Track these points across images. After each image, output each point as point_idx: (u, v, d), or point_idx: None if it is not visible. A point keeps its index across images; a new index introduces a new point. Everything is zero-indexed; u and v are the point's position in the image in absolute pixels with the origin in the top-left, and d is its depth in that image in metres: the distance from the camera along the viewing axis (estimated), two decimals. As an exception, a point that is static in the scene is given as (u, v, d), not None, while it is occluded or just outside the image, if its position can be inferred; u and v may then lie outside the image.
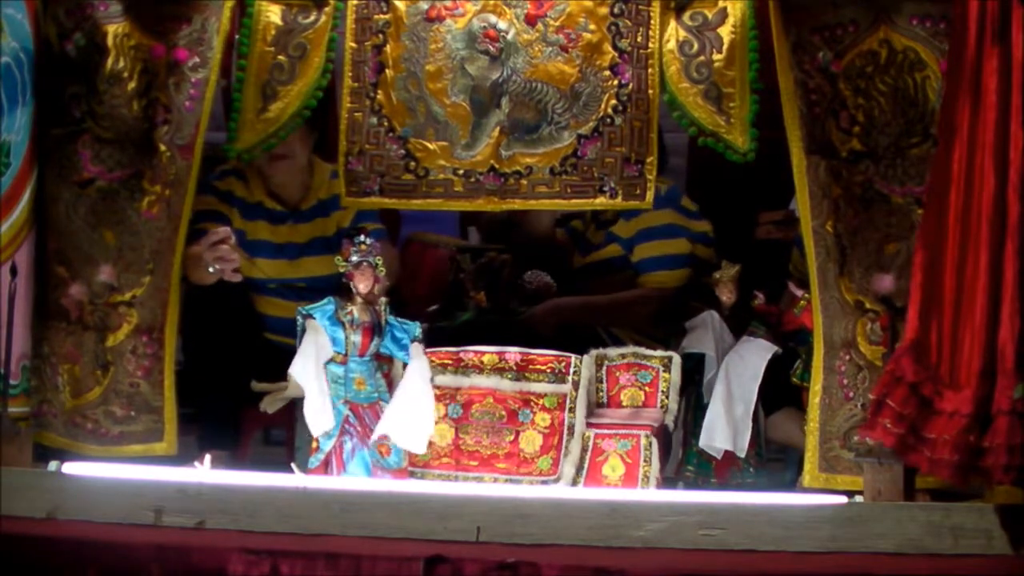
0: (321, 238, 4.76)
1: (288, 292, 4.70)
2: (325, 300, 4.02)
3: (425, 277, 5.16)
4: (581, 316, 4.75)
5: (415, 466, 3.99)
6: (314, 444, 3.96)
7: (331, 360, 3.98)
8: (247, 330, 4.67)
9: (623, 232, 4.79)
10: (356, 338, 3.98)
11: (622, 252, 4.81)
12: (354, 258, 4.01)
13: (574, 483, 3.94)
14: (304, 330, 3.99)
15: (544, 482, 3.94)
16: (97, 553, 3.47)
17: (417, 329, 4.02)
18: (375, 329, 4.00)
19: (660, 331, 4.62)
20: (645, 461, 3.93)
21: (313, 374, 3.93)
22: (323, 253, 4.73)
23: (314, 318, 3.98)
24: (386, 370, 4.05)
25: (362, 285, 4.00)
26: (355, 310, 4.00)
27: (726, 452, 4.17)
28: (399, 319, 4.04)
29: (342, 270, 4.02)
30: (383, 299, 4.03)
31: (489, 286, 4.80)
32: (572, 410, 4.00)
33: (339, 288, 4.69)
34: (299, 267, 4.74)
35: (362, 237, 4.04)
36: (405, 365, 4.00)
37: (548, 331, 4.61)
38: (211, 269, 4.25)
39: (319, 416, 3.91)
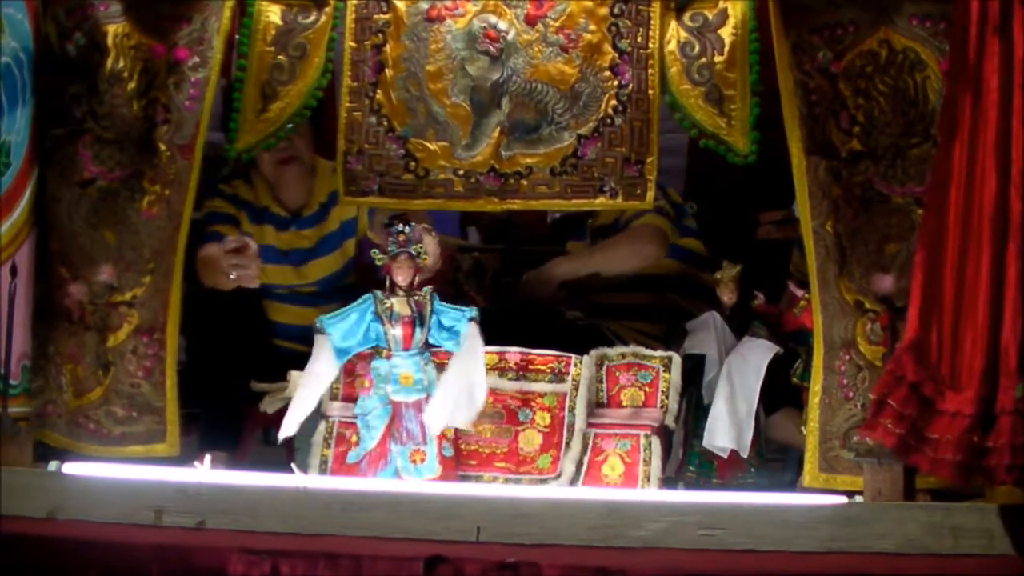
0: (325, 237, 4.74)
1: (296, 297, 4.68)
2: (362, 299, 3.88)
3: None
4: (579, 268, 4.70)
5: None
6: (353, 439, 3.92)
7: (376, 356, 3.89)
8: (252, 331, 4.65)
9: (605, 220, 4.77)
10: (396, 331, 3.86)
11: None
12: (391, 249, 3.88)
13: (574, 480, 3.93)
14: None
15: (543, 480, 3.94)
16: (97, 553, 3.47)
17: (471, 311, 3.88)
18: (416, 321, 3.87)
19: (662, 313, 4.60)
20: (645, 461, 3.92)
21: (310, 382, 3.87)
22: (331, 251, 4.73)
23: (325, 333, 3.85)
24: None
25: (400, 277, 3.87)
26: (395, 303, 3.87)
27: (728, 453, 4.17)
28: (450, 305, 3.91)
29: (379, 263, 3.90)
30: (427, 288, 3.91)
31: (476, 287, 4.76)
32: (572, 409, 3.99)
33: (349, 288, 4.68)
34: (305, 273, 4.71)
35: (400, 227, 3.90)
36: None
37: (549, 293, 4.58)
38: (231, 276, 4.27)
39: (289, 423, 3.86)
